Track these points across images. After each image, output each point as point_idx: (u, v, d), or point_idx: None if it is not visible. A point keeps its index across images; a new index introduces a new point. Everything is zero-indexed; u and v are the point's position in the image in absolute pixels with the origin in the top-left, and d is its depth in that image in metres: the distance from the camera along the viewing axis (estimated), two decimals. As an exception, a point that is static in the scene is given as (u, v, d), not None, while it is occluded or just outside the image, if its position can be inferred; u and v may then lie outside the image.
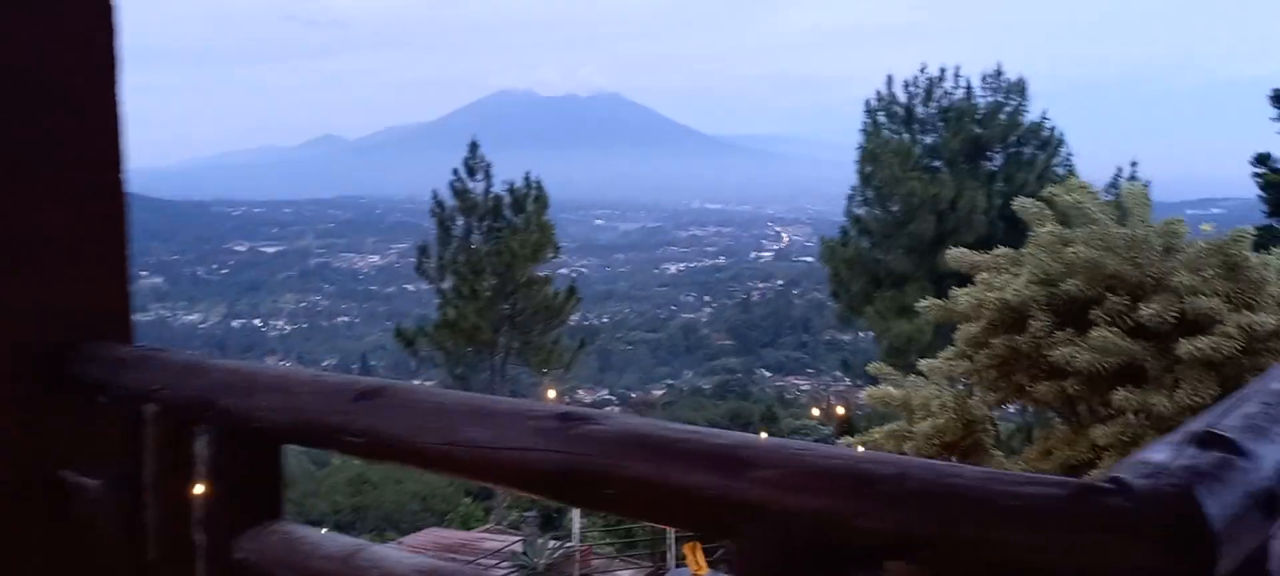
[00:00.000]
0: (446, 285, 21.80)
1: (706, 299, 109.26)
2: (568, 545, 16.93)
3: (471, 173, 22.19)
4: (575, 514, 18.51)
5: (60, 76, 2.16)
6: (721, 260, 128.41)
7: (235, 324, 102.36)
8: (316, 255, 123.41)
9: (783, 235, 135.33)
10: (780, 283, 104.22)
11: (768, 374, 79.49)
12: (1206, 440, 1.13)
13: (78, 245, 2.19)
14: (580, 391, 72.76)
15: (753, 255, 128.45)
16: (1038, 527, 1.04)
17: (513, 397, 1.57)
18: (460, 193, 22.06)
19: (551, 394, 25.67)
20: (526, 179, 22.24)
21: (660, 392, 72.86)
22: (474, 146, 22.38)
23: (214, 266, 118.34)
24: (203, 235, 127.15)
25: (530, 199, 21.98)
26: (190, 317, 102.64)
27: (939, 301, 9.19)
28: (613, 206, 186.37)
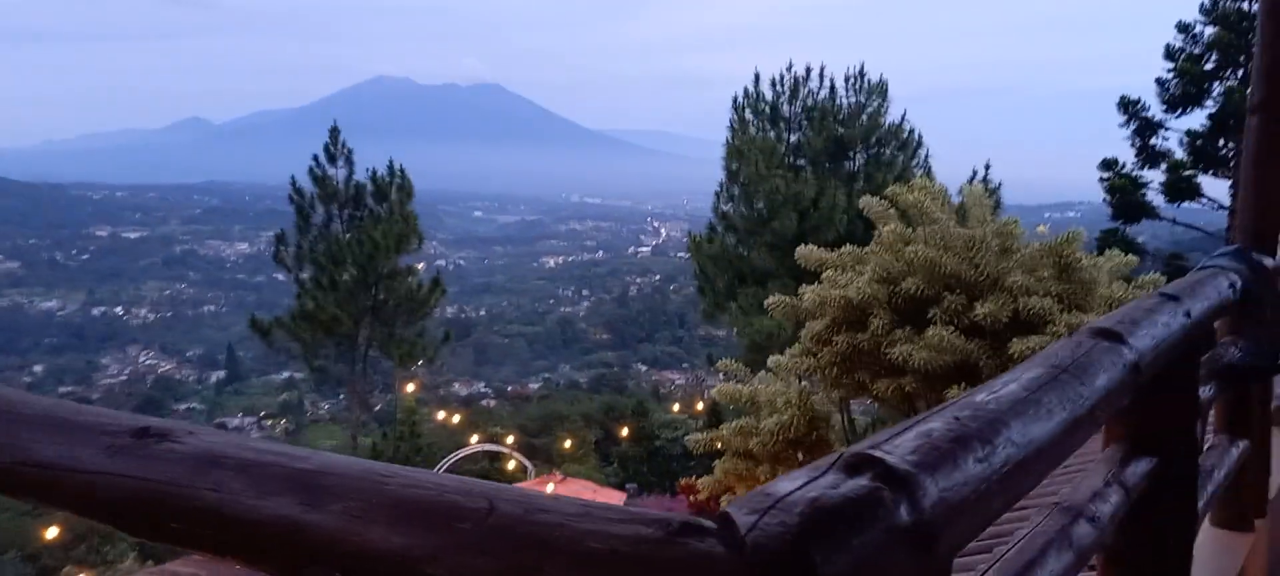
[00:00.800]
0: (305, 275, 21.00)
1: (584, 293, 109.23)
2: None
3: (332, 159, 21.41)
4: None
5: None
6: (600, 254, 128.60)
7: (95, 311, 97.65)
8: (181, 242, 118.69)
9: (660, 230, 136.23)
10: (657, 277, 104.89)
11: (644, 368, 79.94)
12: (856, 464, 0.97)
13: None
14: (456, 384, 71.78)
15: (631, 250, 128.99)
16: (623, 574, 0.85)
17: (91, 406, 1.30)
18: (320, 179, 21.25)
19: (411, 387, 25.05)
20: (391, 167, 21.59)
21: (536, 386, 72.61)
22: (335, 132, 21.55)
23: (73, 252, 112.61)
24: (61, 220, 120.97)
25: (394, 187, 21.34)
26: (48, 304, 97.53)
27: (785, 298, 9.17)
28: (492, 198, 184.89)
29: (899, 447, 1.03)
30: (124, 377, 76.77)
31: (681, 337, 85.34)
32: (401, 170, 21.54)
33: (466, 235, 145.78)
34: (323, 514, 0.99)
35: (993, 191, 21.22)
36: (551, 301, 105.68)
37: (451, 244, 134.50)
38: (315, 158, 21.22)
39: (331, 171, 21.27)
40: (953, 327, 7.89)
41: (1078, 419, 1.40)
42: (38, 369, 79.20)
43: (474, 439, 21.68)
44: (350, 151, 21.44)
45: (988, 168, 21.86)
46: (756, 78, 24.45)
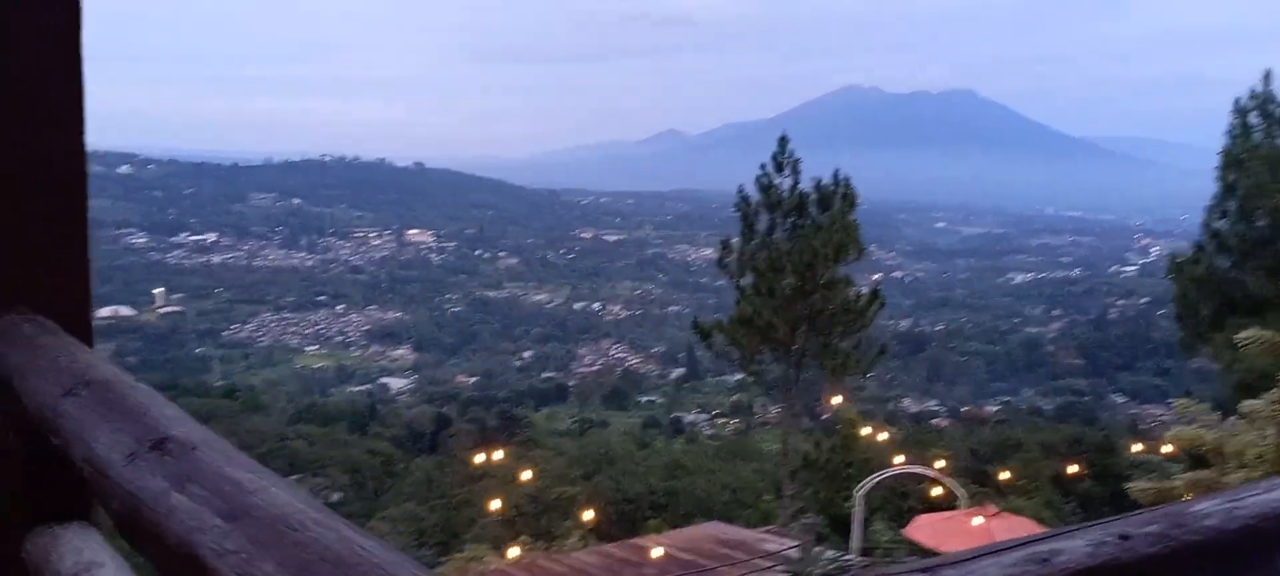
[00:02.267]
0: (746, 281, 21.53)
1: (1055, 313, 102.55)
2: (845, 558, 16.18)
3: (779, 168, 21.76)
4: (856, 523, 17.69)
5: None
6: (1076, 272, 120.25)
7: (576, 306, 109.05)
8: (653, 245, 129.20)
9: (1150, 248, 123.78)
10: (1144, 300, 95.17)
11: (1121, 399, 73.15)
12: None
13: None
14: (906, 400, 70.33)
15: (1113, 268, 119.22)
16: None
17: (171, 404, 1.20)
18: (766, 188, 21.69)
19: (838, 399, 24.73)
20: (835, 176, 21.49)
21: (995, 409, 68.86)
22: (783, 141, 21.90)
23: (561, 251, 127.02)
24: (554, 222, 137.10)
25: (837, 196, 21.18)
26: (538, 297, 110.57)
27: (1264, 333, 7.72)
28: (955, 209, 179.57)
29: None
30: (597, 368, 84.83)
31: (1170, 369, 76.76)
32: (846, 180, 21.37)
33: (926, 246, 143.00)
34: (223, 561, 0.81)
35: None
36: (1016, 320, 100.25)
37: (910, 255, 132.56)
38: (763, 166, 21.73)
39: (778, 180, 21.65)
40: None
41: None
42: (527, 354, 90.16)
43: (898, 459, 20.92)
44: (797, 160, 21.67)
45: None
46: (1266, 76, 21.22)
